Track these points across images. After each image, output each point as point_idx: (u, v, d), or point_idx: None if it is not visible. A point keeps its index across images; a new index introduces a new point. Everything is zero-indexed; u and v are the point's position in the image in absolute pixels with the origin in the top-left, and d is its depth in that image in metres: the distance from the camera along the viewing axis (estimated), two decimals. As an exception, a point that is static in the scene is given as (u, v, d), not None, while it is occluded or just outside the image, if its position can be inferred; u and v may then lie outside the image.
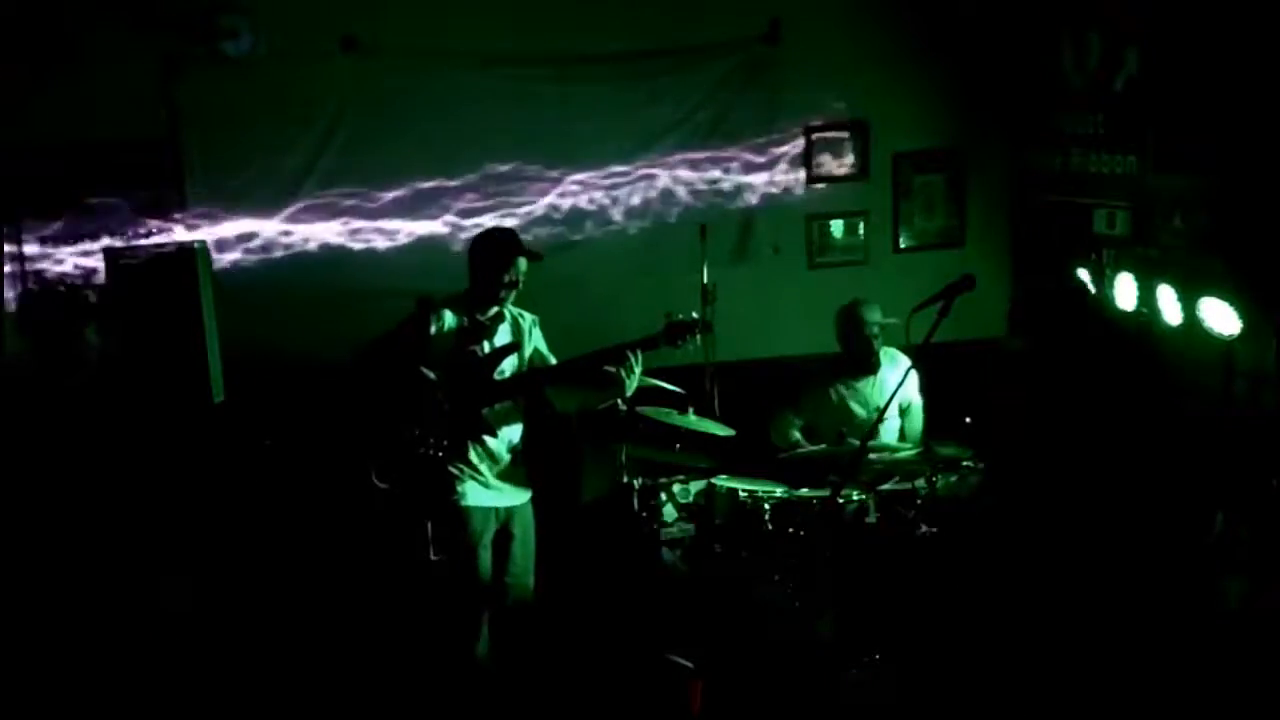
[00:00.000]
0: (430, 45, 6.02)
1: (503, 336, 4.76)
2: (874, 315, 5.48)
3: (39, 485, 5.48)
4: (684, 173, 6.41)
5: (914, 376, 5.39)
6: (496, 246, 4.73)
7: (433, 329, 4.63)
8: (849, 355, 5.57)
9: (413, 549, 4.73)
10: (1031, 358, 6.13)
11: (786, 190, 6.51)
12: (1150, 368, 5.55)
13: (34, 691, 4.91)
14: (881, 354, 5.54)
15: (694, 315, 4.76)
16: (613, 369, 4.61)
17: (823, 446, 5.32)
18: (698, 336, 4.72)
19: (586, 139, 6.33)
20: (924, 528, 5.05)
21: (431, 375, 4.55)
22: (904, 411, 5.61)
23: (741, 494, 5.20)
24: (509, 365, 4.75)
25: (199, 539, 5.55)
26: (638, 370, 4.63)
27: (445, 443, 4.57)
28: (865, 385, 5.57)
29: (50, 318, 5.69)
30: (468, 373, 4.63)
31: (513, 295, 4.72)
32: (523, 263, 4.68)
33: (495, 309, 4.73)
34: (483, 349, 4.69)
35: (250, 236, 6.13)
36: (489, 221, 6.11)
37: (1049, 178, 6.31)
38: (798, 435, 5.58)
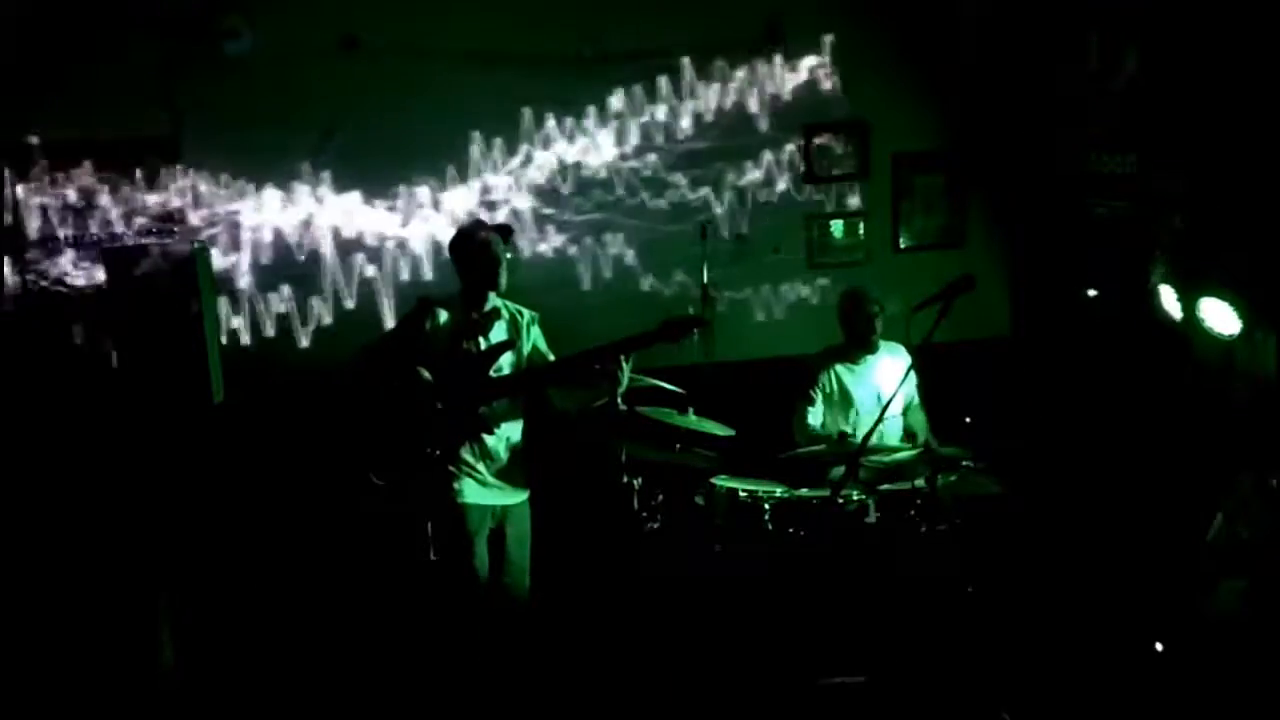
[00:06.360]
0: (430, 45, 6.02)
1: (499, 333, 4.76)
2: (874, 295, 5.58)
3: (39, 486, 5.48)
4: (683, 172, 6.41)
5: (912, 374, 5.40)
6: (467, 234, 4.78)
7: (428, 327, 4.64)
8: (849, 337, 5.60)
9: (411, 549, 4.73)
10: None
11: (786, 190, 6.51)
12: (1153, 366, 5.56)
13: (34, 693, 4.91)
14: (881, 344, 5.57)
15: (690, 312, 4.76)
16: (608, 366, 4.61)
17: (823, 447, 5.33)
18: (695, 333, 4.72)
19: (586, 139, 6.32)
20: (924, 528, 5.06)
21: (426, 375, 4.56)
22: (906, 408, 5.62)
23: (741, 494, 5.21)
24: (507, 362, 4.75)
25: (199, 538, 5.55)
26: (627, 368, 4.63)
27: (441, 442, 4.57)
28: (864, 367, 5.59)
29: (44, 319, 5.70)
30: (463, 370, 4.63)
31: (504, 277, 4.71)
32: (496, 240, 4.70)
33: (490, 305, 4.73)
34: (478, 346, 4.69)
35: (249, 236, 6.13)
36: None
37: (1049, 178, 6.30)
38: (815, 424, 5.59)
